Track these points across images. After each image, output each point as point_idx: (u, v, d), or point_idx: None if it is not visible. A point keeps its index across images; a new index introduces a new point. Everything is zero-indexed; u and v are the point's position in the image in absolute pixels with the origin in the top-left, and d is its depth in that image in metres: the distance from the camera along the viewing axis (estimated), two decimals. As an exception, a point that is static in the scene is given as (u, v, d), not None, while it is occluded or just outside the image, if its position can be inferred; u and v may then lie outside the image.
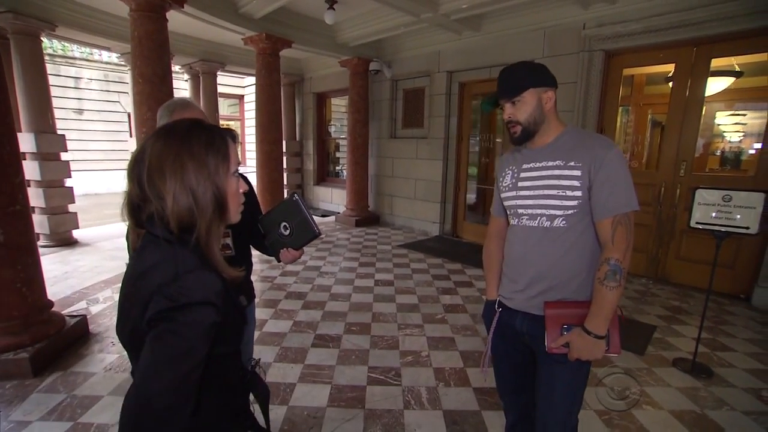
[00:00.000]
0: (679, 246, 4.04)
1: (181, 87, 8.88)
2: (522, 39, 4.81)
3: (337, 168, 8.88)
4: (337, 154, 8.91)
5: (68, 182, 5.18)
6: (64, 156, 5.04)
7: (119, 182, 11.81)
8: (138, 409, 0.67)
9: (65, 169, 5.03)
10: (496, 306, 1.38)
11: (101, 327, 2.90)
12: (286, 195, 6.62)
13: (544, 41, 4.61)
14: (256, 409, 1.02)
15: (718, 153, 6.25)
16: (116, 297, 3.48)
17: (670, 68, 4.11)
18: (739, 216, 2.32)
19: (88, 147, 11.25)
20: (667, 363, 2.56)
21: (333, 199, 8.17)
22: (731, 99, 5.66)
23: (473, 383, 2.32)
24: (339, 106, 8.87)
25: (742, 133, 6.16)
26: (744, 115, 6.07)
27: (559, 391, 1.23)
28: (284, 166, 7.25)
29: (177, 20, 4.57)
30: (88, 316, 2.89)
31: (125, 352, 2.51)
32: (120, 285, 0.81)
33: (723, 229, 2.35)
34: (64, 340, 2.53)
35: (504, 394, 1.49)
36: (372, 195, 7.19)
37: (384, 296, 3.67)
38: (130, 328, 0.74)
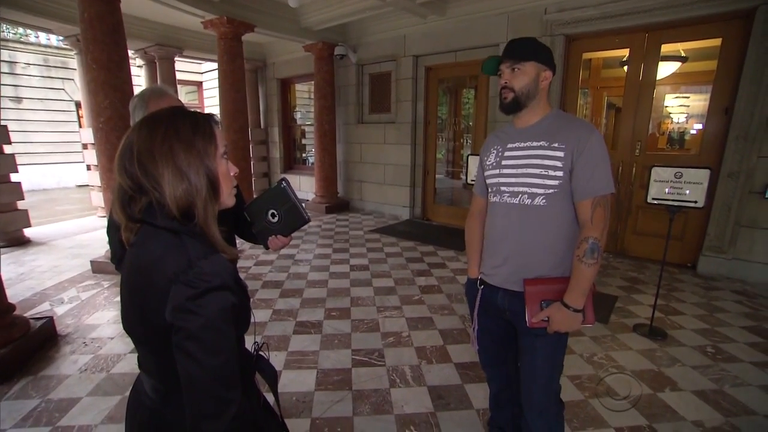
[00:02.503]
0: (636, 221, 4.33)
1: (135, 74, 8.35)
2: (486, 23, 4.89)
3: (304, 155, 8.75)
4: (304, 141, 8.78)
5: (14, 177, 4.81)
6: (7, 149, 4.67)
7: (69, 176, 11.06)
8: (198, 411, 0.68)
9: (10, 163, 4.66)
10: (478, 284, 1.44)
11: (70, 328, 2.78)
12: (253, 184, 6.48)
13: (507, 25, 4.71)
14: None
15: (666, 133, 6.70)
16: (83, 296, 3.34)
17: (624, 53, 4.33)
18: (688, 191, 2.53)
19: (30, 139, 10.42)
20: (628, 329, 2.79)
21: (301, 186, 8.07)
22: (677, 82, 6.08)
23: (454, 359, 2.43)
24: (304, 92, 8.70)
25: (686, 115, 6.63)
26: (687, 97, 6.53)
27: (541, 362, 1.31)
28: (250, 154, 7.06)
29: (130, 1, 4.29)
30: (54, 318, 2.76)
31: (100, 352, 2.43)
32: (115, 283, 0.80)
33: (675, 203, 2.56)
34: (30, 344, 2.41)
35: (486, 366, 1.58)
36: (341, 181, 7.17)
37: (361, 281, 3.72)
38: (142, 320, 0.74)
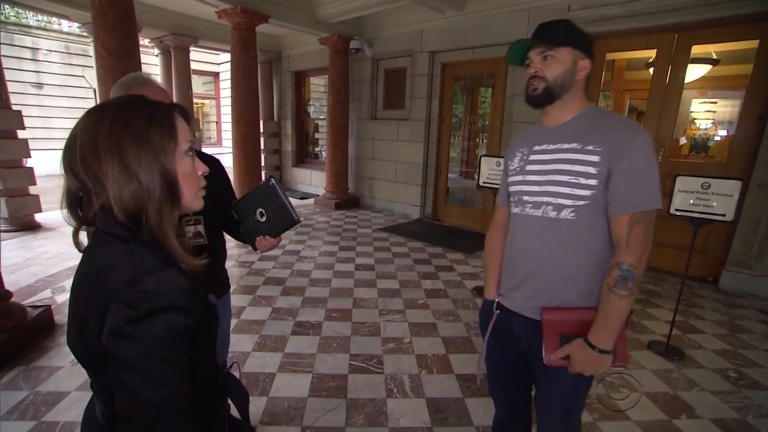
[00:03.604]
0: (655, 231, 4.12)
1: (152, 62, 8.38)
2: (506, 19, 4.72)
3: (316, 149, 8.69)
4: (317, 135, 8.71)
5: (28, 162, 4.85)
6: (21, 134, 4.70)
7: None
8: None
9: (23, 148, 4.69)
10: (494, 307, 1.26)
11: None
12: (263, 177, 6.43)
13: (528, 22, 4.53)
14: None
15: (688, 140, 6.42)
16: (83, 285, 3.32)
17: (650, 54, 4.12)
18: (715, 203, 2.36)
19: (50, 124, 10.58)
20: (642, 346, 2.62)
21: (312, 181, 8.01)
22: (704, 87, 5.80)
23: (456, 370, 2.32)
24: (318, 85, 8.62)
25: (712, 121, 6.33)
26: (715, 102, 6.24)
27: (557, 402, 1.14)
28: (262, 147, 7.02)
29: (143, -12, 4.26)
30: (53, 306, 2.73)
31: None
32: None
33: (700, 216, 2.39)
34: (25, 333, 2.38)
35: (494, 390, 1.40)
36: (352, 177, 7.08)
37: (365, 281, 3.63)
38: (81, 338, 0.65)
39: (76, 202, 0.66)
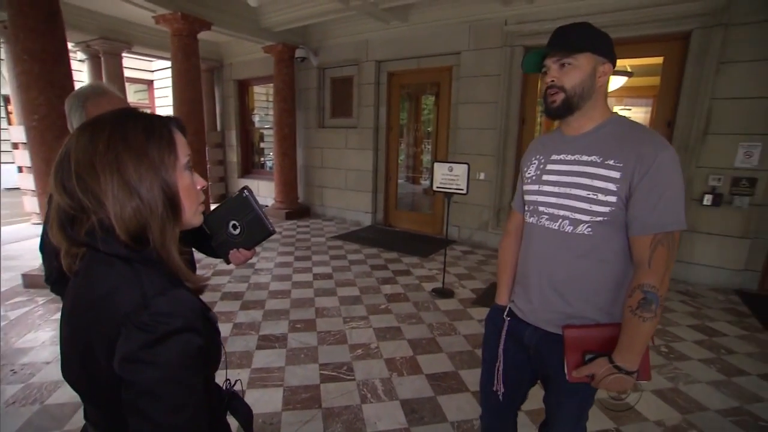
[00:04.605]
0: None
1: (77, 68, 7.66)
2: (449, 31, 4.97)
3: (262, 159, 8.46)
4: (262, 145, 8.50)
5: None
6: None
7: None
8: None
9: None
10: (505, 314, 1.23)
11: (-5, 352, 2.45)
12: (209, 189, 6.14)
13: (469, 34, 4.81)
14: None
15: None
16: (12, 315, 2.98)
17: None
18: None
19: (-53, 136, 9.32)
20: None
21: (260, 191, 7.78)
22: (621, 95, 6.53)
23: (425, 370, 2.39)
24: (262, 94, 8.43)
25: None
26: (630, 109, 7.04)
27: (571, 408, 1.14)
28: (206, 158, 6.71)
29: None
30: (-25, 341, 2.43)
31: (32, 380, 2.15)
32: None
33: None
34: (-55, 374, 2.09)
35: (489, 395, 1.31)
36: (301, 186, 7.00)
37: (325, 290, 3.61)
38: (85, 370, 0.62)
39: (68, 222, 0.62)
